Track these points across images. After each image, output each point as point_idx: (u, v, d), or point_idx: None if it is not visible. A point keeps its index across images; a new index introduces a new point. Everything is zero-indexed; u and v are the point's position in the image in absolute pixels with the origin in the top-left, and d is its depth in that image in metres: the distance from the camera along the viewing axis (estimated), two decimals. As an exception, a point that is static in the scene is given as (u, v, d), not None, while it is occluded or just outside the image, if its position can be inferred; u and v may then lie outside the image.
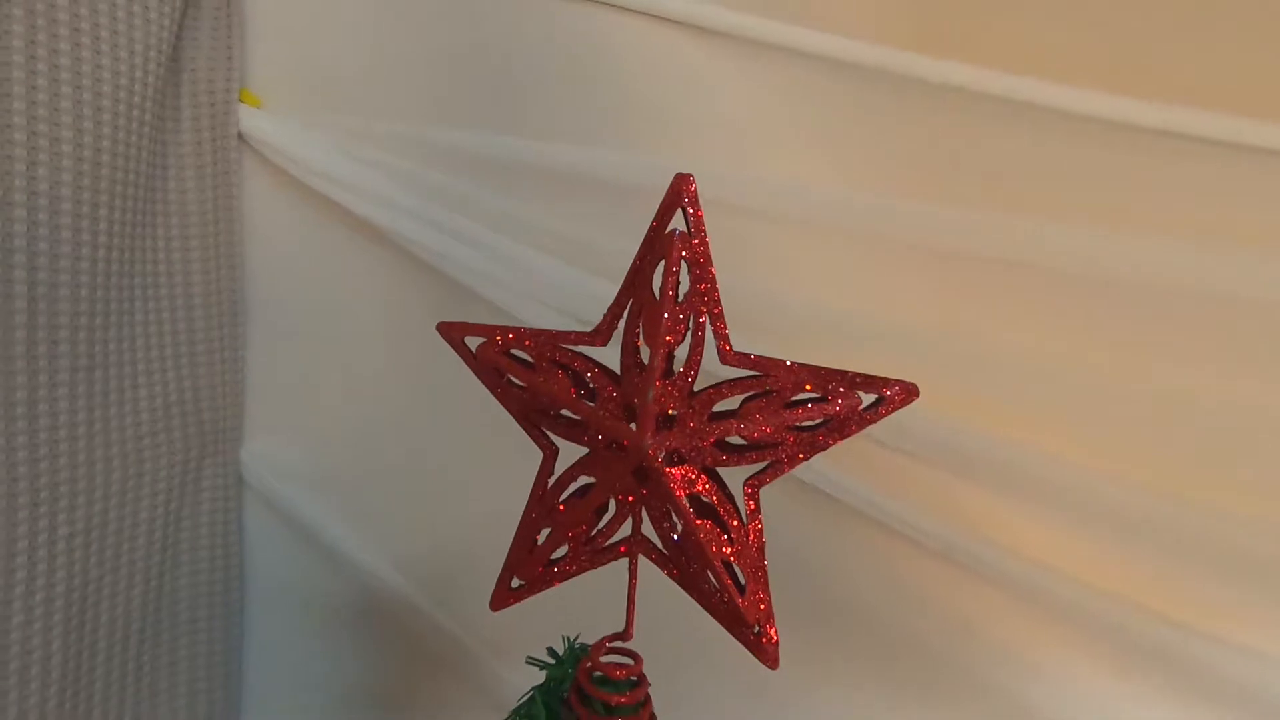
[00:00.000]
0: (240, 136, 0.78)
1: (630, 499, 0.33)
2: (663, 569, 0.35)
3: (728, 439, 0.33)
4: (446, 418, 0.82)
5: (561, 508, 0.34)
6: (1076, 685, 0.82)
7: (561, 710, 0.37)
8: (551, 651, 0.38)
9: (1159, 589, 0.79)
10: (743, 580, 0.33)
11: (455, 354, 0.77)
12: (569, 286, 0.72)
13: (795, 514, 0.78)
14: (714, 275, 0.33)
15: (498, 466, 0.76)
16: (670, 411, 0.32)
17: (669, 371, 0.32)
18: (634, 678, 0.36)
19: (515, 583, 0.35)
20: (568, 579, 0.35)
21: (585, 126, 0.72)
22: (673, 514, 0.32)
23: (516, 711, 0.38)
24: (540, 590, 0.35)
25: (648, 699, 0.37)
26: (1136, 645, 0.79)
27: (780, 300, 0.71)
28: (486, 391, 0.80)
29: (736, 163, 0.71)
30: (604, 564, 0.35)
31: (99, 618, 0.70)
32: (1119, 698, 0.81)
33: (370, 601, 0.83)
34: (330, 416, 0.83)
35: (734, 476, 0.34)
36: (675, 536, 0.33)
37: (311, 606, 0.84)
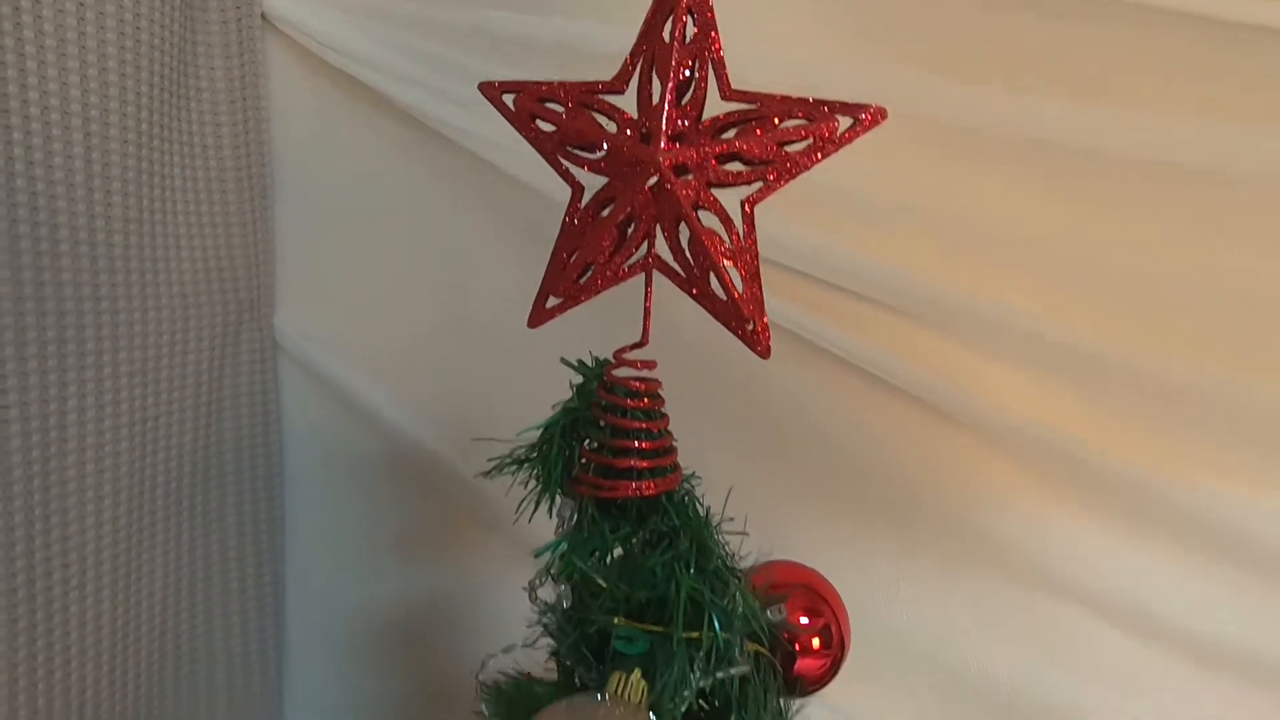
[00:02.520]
0: (264, 17, 0.84)
1: (645, 214, 0.40)
2: (673, 281, 0.42)
3: (727, 165, 0.40)
4: (469, 284, 0.88)
5: (587, 230, 0.41)
6: (1045, 520, 0.90)
7: (585, 427, 0.44)
8: (580, 362, 0.45)
9: (1120, 433, 0.87)
10: (739, 282, 0.40)
11: (476, 223, 0.83)
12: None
13: (795, 365, 0.85)
14: (714, 21, 0.39)
15: (516, 331, 0.84)
16: (680, 131, 0.39)
17: (678, 103, 0.39)
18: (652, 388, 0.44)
19: (550, 302, 0.42)
20: (595, 295, 0.42)
21: (607, 4, 0.77)
22: (682, 223, 0.39)
23: (532, 448, 0.45)
24: (571, 306, 0.42)
25: (663, 402, 0.44)
26: (1098, 483, 0.88)
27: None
28: (506, 259, 0.87)
29: (745, 40, 0.77)
30: (626, 279, 0.42)
31: (157, 454, 0.77)
32: (1082, 530, 0.90)
33: (399, 455, 0.91)
34: (358, 285, 0.89)
35: (732, 205, 0.41)
36: (684, 243, 0.40)
37: (345, 461, 0.91)
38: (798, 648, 0.50)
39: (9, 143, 0.61)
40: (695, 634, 0.38)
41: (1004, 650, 0.94)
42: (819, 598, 0.52)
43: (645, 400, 0.43)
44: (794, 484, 0.92)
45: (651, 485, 0.41)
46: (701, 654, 0.38)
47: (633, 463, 0.41)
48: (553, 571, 0.42)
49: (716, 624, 0.38)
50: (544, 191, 0.80)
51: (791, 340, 0.83)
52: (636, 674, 0.36)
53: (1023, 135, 0.80)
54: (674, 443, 0.44)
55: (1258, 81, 0.75)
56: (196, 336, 0.82)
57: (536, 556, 0.42)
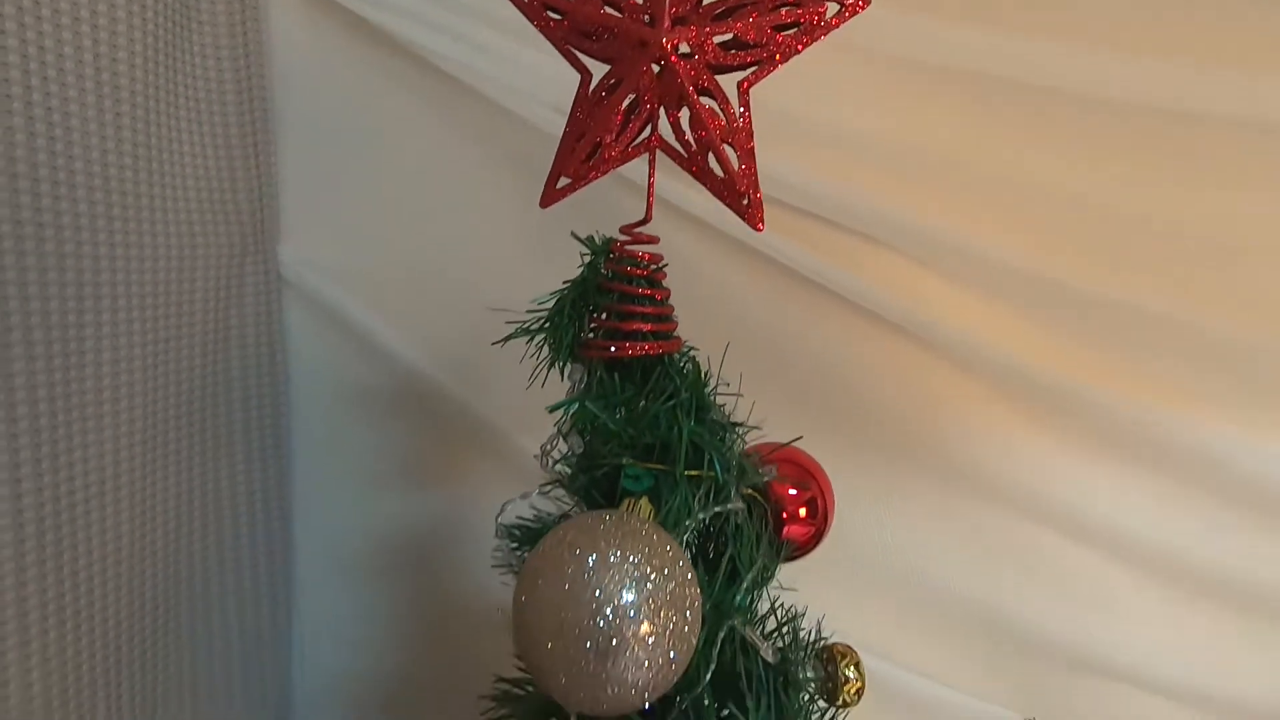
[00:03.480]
0: (261, -47, 0.86)
1: (649, 96, 0.44)
2: (675, 160, 0.46)
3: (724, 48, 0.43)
4: (470, 214, 0.92)
5: (595, 112, 0.44)
6: (1018, 444, 0.96)
7: (594, 296, 0.48)
8: (589, 238, 0.49)
9: (1090, 362, 0.93)
10: (736, 160, 0.44)
11: (474, 154, 0.86)
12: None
13: (790, 303, 0.90)
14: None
15: (515, 261, 0.87)
16: (681, 15, 0.43)
17: (678, -9, 0.43)
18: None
19: (561, 182, 0.46)
20: (602, 174, 0.46)
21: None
22: (683, 105, 0.43)
23: (545, 318, 0.48)
24: (581, 186, 0.46)
25: (664, 275, 0.48)
26: (1069, 408, 0.94)
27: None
28: (508, 188, 0.90)
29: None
30: (631, 159, 0.46)
31: (168, 381, 0.80)
32: (1053, 453, 0.96)
33: (402, 383, 0.94)
34: (360, 216, 0.93)
35: (729, 89, 0.45)
36: (685, 125, 0.44)
37: (349, 389, 0.95)
38: (786, 515, 0.54)
39: (7, 79, 0.62)
40: (696, 472, 0.42)
41: (977, 567, 1.00)
42: (807, 473, 0.57)
43: (649, 270, 0.47)
44: (782, 411, 0.97)
45: (656, 346, 0.45)
46: (701, 491, 0.42)
47: (638, 326, 0.45)
48: (564, 429, 0.46)
49: (716, 465, 0.42)
50: (539, 124, 0.84)
51: (790, 275, 0.87)
52: (644, 500, 0.40)
53: (1010, 78, 0.85)
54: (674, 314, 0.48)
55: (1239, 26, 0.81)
56: (204, 266, 0.84)
57: (551, 411, 0.46)
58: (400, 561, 0.96)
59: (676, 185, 0.78)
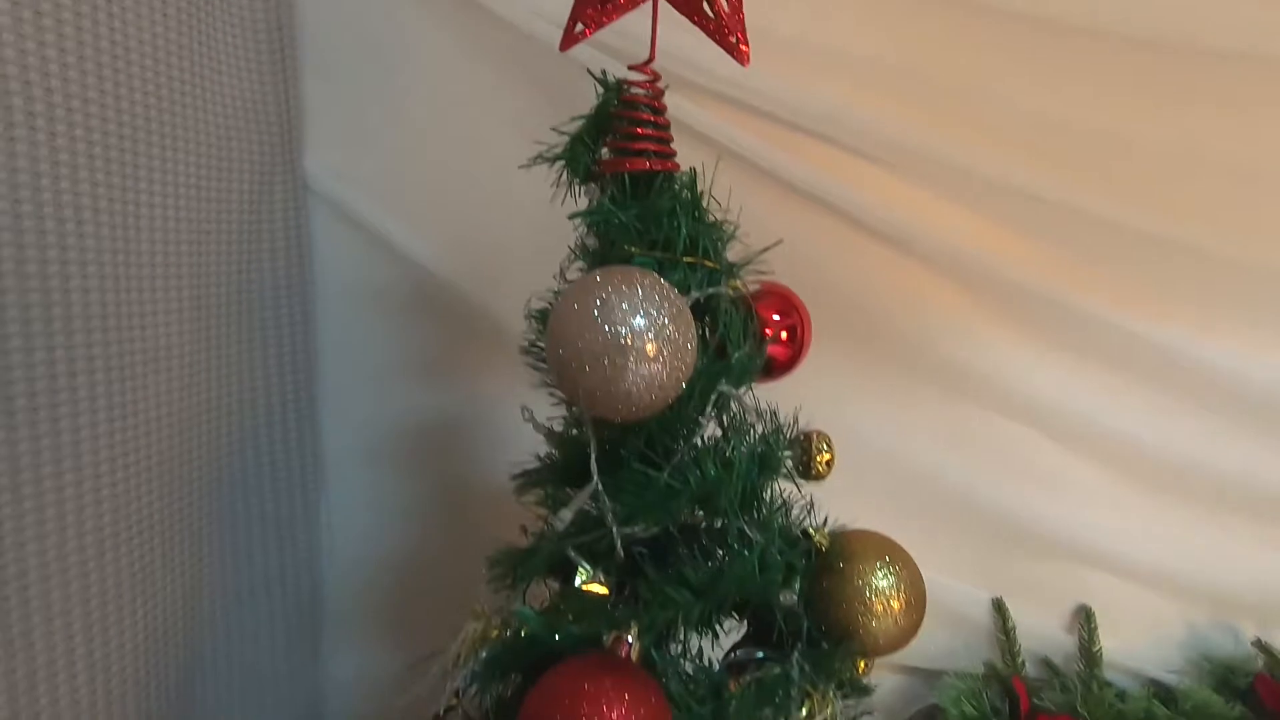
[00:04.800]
0: None
1: None
2: (674, 5, 0.55)
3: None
4: (483, 124, 1.01)
5: None
6: (991, 343, 1.06)
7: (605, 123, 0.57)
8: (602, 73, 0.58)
9: (1058, 268, 1.03)
10: (726, 4, 0.53)
11: (488, 70, 0.95)
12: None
13: (781, 210, 0.99)
14: None
15: (528, 173, 0.96)
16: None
17: None
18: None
19: (578, 28, 0.55)
20: (613, 19, 0.55)
21: None
22: None
23: (564, 149, 0.57)
24: (595, 30, 0.55)
25: (666, 108, 0.57)
26: (1042, 315, 1.05)
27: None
28: (519, 100, 0.98)
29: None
30: (638, 5, 0.55)
31: (208, 274, 0.88)
32: (1022, 352, 1.07)
33: (421, 285, 1.03)
34: (381, 129, 1.02)
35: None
36: None
37: (372, 291, 1.04)
38: (769, 333, 0.64)
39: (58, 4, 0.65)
40: (692, 259, 0.51)
41: (947, 456, 1.10)
42: (790, 305, 0.66)
43: (654, 101, 0.56)
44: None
45: (659, 162, 0.54)
46: (698, 275, 0.51)
47: (644, 146, 0.55)
48: (584, 231, 0.55)
49: (711, 254, 0.52)
50: (544, 39, 0.93)
51: (784, 187, 0.97)
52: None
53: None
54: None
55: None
56: (238, 178, 0.92)
57: (571, 219, 0.55)
58: (420, 448, 1.04)
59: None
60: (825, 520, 0.61)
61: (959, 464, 1.10)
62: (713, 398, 0.51)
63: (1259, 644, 1.11)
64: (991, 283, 1.06)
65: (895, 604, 0.55)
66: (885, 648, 0.56)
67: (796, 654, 0.51)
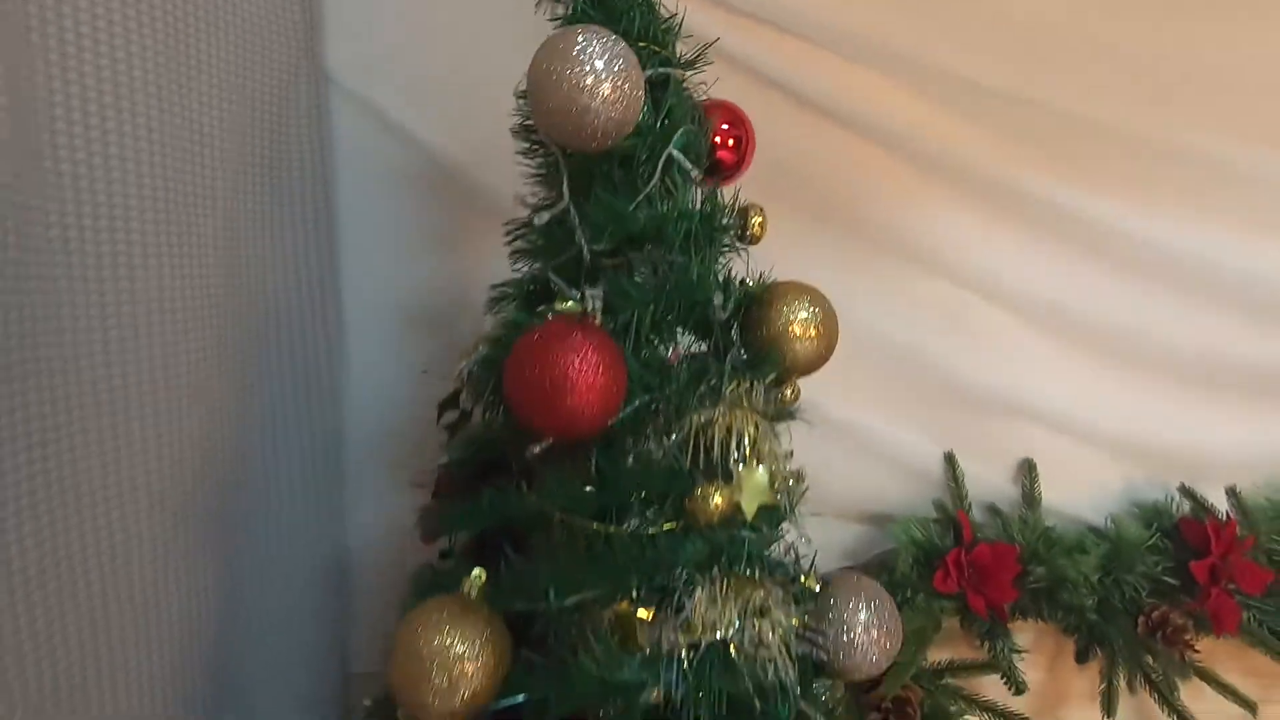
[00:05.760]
0: None
1: None
2: None
3: None
4: (494, 19, 1.14)
5: None
6: (945, 221, 1.19)
7: None
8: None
9: (1006, 148, 1.17)
10: None
11: None
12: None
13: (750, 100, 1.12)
14: None
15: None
16: None
17: None
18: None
19: None
20: None
21: None
22: None
23: None
24: None
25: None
26: (984, 186, 1.18)
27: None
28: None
29: None
30: None
31: (242, 157, 1.00)
32: (968, 225, 1.20)
33: (436, 169, 1.17)
34: (397, 22, 1.15)
35: None
36: None
37: (389, 175, 1.18)
38: (717, 141, 0.77)
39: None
40: (644, 43, 0.65)
41: (902, 321, 1.23)
42: (738, 118, 0.80)
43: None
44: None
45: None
46: (649, 57, 0.65)
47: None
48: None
49: (659, 41, 0.65)
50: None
51: (755, 77, 1.10)
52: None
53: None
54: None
55: None
56: (263, 71, 1.05)
57: (551, 20, 0.70)
58: (434, 311, 1.19)
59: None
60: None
61: (910, 328, 1.24)
62: (662, 159, 0.64)
63: (1183, 489, 1.24)
64: (941, 161, 1.19)
65: (812, 332, 0.69)
66: (802, 367, 0.70)
67: (730, 355, 0.65)
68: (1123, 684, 1.19)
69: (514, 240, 0.70)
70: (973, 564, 1.14)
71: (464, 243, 1.20)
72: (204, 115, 0.91)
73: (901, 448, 1.25)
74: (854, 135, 1.18)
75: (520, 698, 0.57)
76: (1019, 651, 1.17)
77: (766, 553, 0.64)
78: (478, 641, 0.56)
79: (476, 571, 0.60)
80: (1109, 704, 1.16)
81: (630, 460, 0.59)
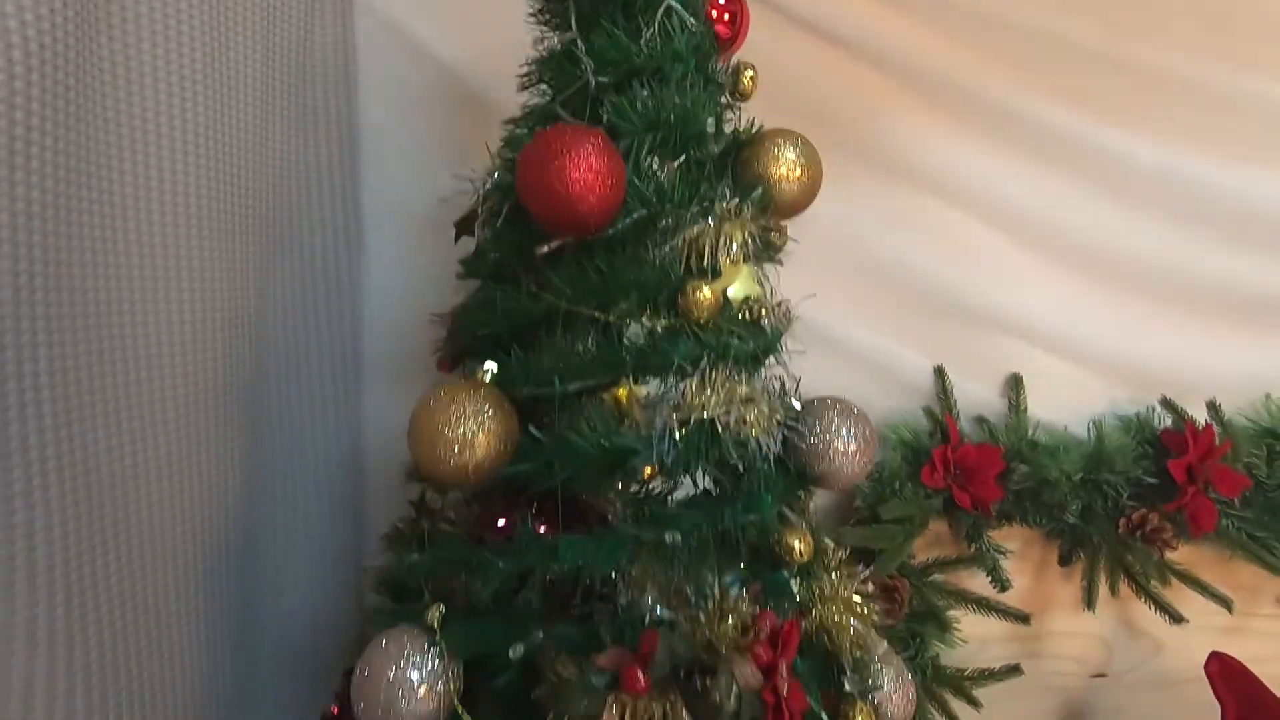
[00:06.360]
0: None
1: None
2: None
3: None
4: None
5: None
6: (928, 133, 1.26)
7: None
8: None
9: (987, 65, 1.23)
10: None
11: None
12: None
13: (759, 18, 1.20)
14: None
15: None
16: None
17: None
18: None
19: None
20: None
21: None
22: None
23: None
24: None
25: None
26: (969, 104, 1.25)
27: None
28: None
29: None
30: None
31: (270, 75, 1.07)
32: (959, 146, 1.26)
33: (456, 86, 1.25)
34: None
35: None
36: None
37: (411, 91, 1.26)
38: (713, 15, 0.85)
39: None
40: None
41: (892, 236, 1.30)
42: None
43: None
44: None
45: None
46: None
47: None
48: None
49: None
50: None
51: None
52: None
53: None
54: None
55: None
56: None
57: None
58: (450, 229, 1.26)
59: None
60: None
61: (903, 247, 1.30)
62: (662, 8, 0.71)
63: (1164, 401, 1.29)
64: (936, 84, 1.25)
65: (798, 172, 0.76)
66: (787, 204, 0.76)
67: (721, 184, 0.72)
68: (1105, 587, 1.24)
69: (526, 74, 0.77)
70: (959, 463, 1.19)
71: (479, 156, 1.28)
72: (232, 33, 0.97)
73: (894, 362, 1.31)
74: (848, 56, 1.24)
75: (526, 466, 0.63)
76: (1003, 552, 1.23)
77: (752, 360, 0.70)
78: (486, 413, 0.63)
79: (488, 364, 0.67)
80: (1090, 598, 1.21)
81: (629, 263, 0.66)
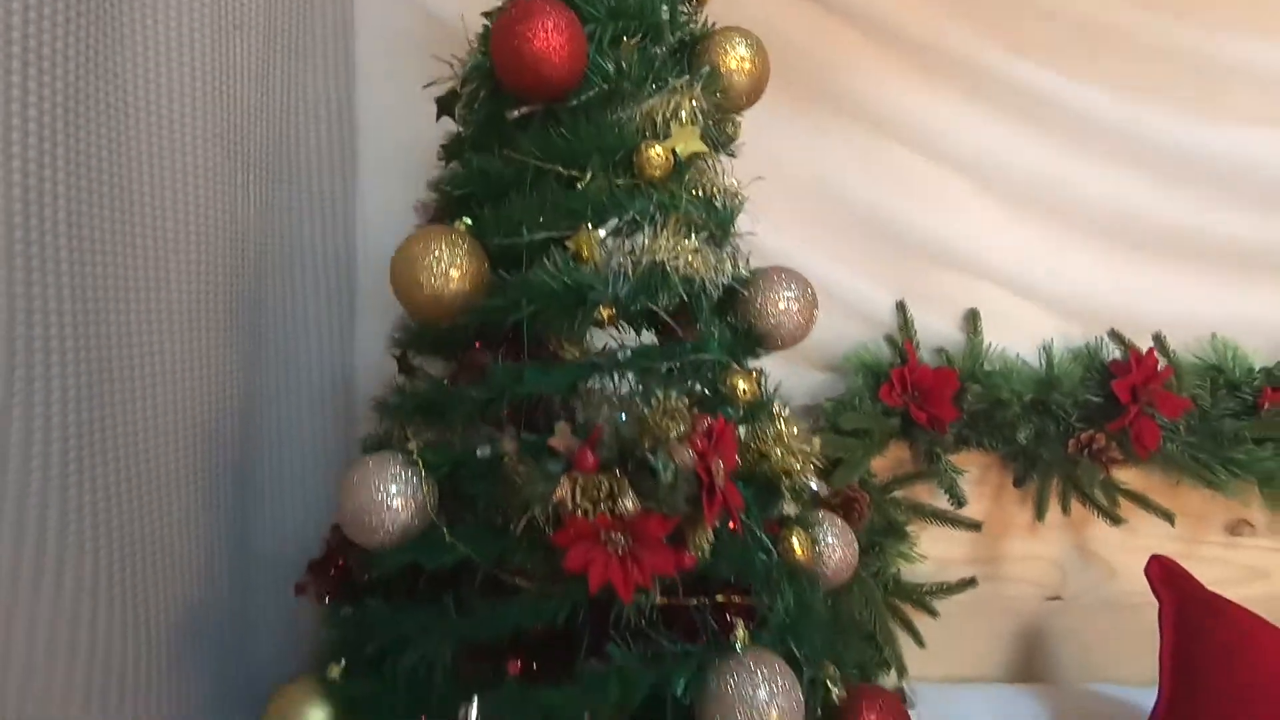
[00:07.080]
0: None
1: None
2: None
3: None
4: None
5: None
6: (898, 87, 1.34)
7: None
8: None
9: (957, 21, 1.32)
10: None
11: None
12: None
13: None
14: None
15: None
16: None
17: None
18: None
19: None
20: None
21: None
22: None
23: None
24: None
25: None
26: (935, 56, 1.33)
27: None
28: None
29: None
30: None
31: (274, 28, 1.17)
32: (929, 96, 1.35)
33: (450, 38, 1.34)
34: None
35: None
36: None
37: (408, 42, 1.35)
38: None
39: None
40: None
41: (860, 179, 1.38)
42: None
43: None
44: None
45: None
46: None
47: None
48: None
49: None
50: None
51: None
52: None
53: None
54: None
55: None
56: None
57: None
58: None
59: None
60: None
61: (867, 188, 1.38)
62: None
63: (1112, 333, 1.37)
64: (900, 34, 1.33)
65: (747, 65, 0.85)
66: (737, 93, 0.85)
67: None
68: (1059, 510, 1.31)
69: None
70: (916, 383, 1.27)
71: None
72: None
73: (856, 295, 1.39)
74: (820, 7, 1.33)
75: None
76: (960, 472, 1.30)
77: (702, 229, 0.78)
78: (460, 249, 0.71)
79: (463, 218, 0.75)
80: (1040, 510, 1.28)
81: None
